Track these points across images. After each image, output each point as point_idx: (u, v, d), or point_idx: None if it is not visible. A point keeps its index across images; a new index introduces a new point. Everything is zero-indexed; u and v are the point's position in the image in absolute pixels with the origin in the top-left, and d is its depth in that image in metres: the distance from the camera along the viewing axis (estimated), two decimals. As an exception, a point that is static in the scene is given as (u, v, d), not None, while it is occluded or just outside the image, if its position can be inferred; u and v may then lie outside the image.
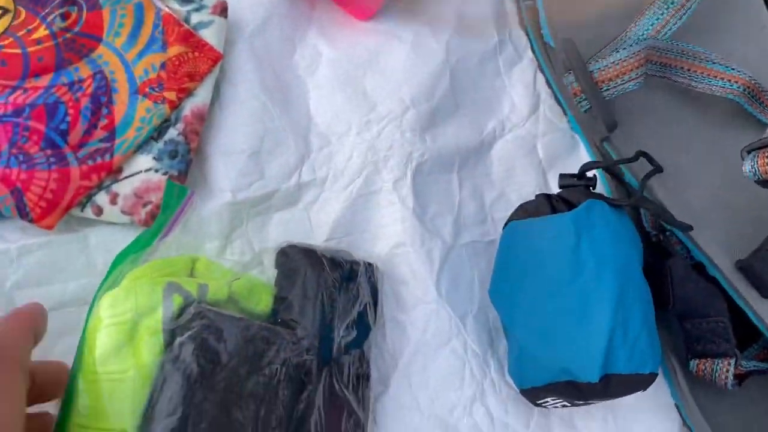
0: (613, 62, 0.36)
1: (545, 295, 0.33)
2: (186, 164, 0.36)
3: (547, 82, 0.43)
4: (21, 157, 0.33)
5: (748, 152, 0.35)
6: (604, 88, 0.37)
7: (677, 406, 0.39)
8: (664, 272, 0.36)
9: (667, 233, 0.38)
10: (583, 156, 0.42)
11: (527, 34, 0.43)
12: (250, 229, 0.37)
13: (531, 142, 0.42)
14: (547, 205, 0.36)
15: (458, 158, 0.40)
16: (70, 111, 0.34)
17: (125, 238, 0.35)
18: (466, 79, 0.41)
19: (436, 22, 0.41)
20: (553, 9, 0.40)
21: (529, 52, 0.43)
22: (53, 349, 0.32)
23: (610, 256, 0.33)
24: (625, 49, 0.36)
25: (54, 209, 0.34)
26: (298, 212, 0.38)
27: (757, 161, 0.34)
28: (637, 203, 0.35)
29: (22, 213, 0.33)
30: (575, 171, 0.37)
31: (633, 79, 0.36)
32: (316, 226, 0.38)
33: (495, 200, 0.41)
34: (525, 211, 0.37)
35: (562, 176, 0.37)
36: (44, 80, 0.34)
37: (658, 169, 0.36)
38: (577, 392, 0.32)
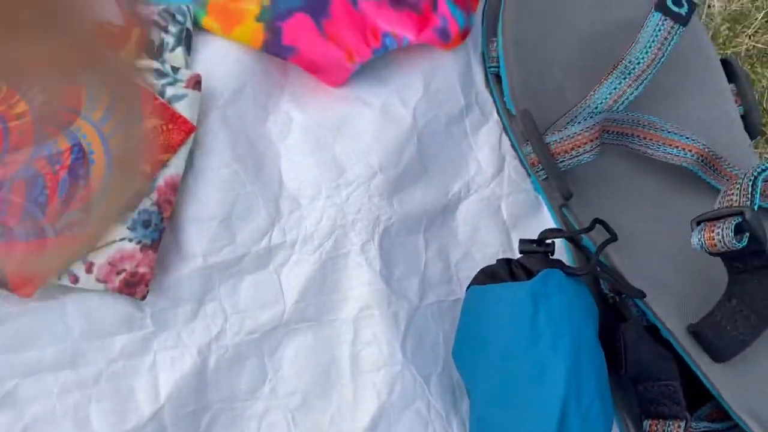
0: (569, 135, 0.38)
1: (503, 361, 0.35)
2: (159, 233, 0.37)
3: (512, 145, 0.45)
4: (1, 230, 0.35)
5: (697, 224, 0.36)
6: (560, 160, 0.38)
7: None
8: (617, 337, 0.37)
9: (623, 296, 0.40)
10: (546, 217, 0.44)
11: (493, 98, 0.45)
12: (222, 292, 0.39)
13: (495, 202, 0.44)
14: (506, 270, 0.38)
15: (425, 220, 0.42)
16: (48, 183, 0.36)
17: (101, 304, 0.37)
18: (433, 142, 0.43)
19: (404, 88, 0.43)
20: (515, 77, 0.42)
21: (495, 114, 0.45)
22: (24, 415, 0.34)
23: (566, 326, 0.35)
24: (579, 122, 0.38)
25: (32, 279, 0.35)
26: (268, 274, 0.39)
27: (704, 234, 0.35)
28: (592, 271, 0.37)
29: (1, 283, 0.35)
30: (538, 230, 0.39)
31: (588, 152, 0.38)
32: (287, 288, 0.39)
33: (460, 260, 0.42)
34: (486, 275, 0.39)
35: (522, 242, 0.39)
36: (24, 154, 0.36)
37: (613, 238, 0.37)
38: (532, 458, 0.34)
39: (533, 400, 0.34)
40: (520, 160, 0.45)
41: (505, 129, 0.45)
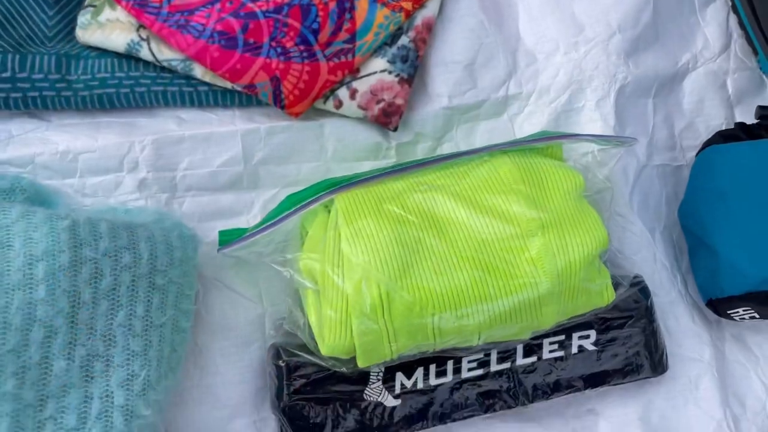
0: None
1: (755, 210, 0.36)
2: (414, 69, 0.39)
3: (741, 23, 0.44)
4: (279, 50, 0.38)
5: None
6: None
7: None
8: None
9: None
10: (773, 95, 0.44)
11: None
12: (458, 134, 0.41)
13: (721, 77, 0.44)
14: (745, 133, 0.38)
15: (655, 85, 0.42)
16: (320, 13, 0.38)
17: (353, 130, 0.39)
18: (665, 11, 0.43)
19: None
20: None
21: (723, -7, 0.45)
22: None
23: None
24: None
25: (304, 99, 0.38)
26: (503, 122, 0.41)
27: None
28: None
29: (277, 99, 0.38)
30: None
31: None
32: (520, 135, 0.41)
33: (684, 129, 0.43)
34: (723, 136, 0.39)
35: (761, 107, 0.39)
36: (299, -16, 0.39)
37: None
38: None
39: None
40: (748, 39, 0.44)
41: (734, 6, 0.44)
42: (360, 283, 0.29)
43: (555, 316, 0.32)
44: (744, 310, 0.37)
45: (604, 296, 0.34)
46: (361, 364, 0.31)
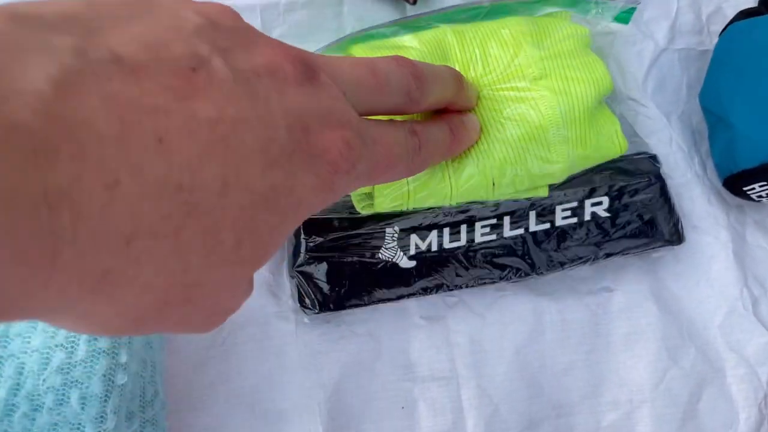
0: None
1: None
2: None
3: None
4: None
5: None
6: None
7: None
8: None
9: None
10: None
11: None
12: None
13: (753, -39, 0.43)
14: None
15: (680, -33, 0.41)
16: None
17: (373, 9, 0.40)
18: None
19: None
20: None
21: None
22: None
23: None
24: None
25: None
26: None
27: None
28: None
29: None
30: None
31: None
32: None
33: (712, 13, 0.42)
34: (745, 14, 0.38)
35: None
36: None
37: None
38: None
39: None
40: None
41: None
42: None
43: (566, 160, 0.32)
44: (760, 186, 0.36)
45: (615, 143, 0.34)
46: (377, 205, 0.32)
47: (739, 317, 0.38)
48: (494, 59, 0.32)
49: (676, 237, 0.37)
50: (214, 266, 0.18)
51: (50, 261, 0.14)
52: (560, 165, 0.32)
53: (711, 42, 0.42)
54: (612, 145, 0.34)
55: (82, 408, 0.28)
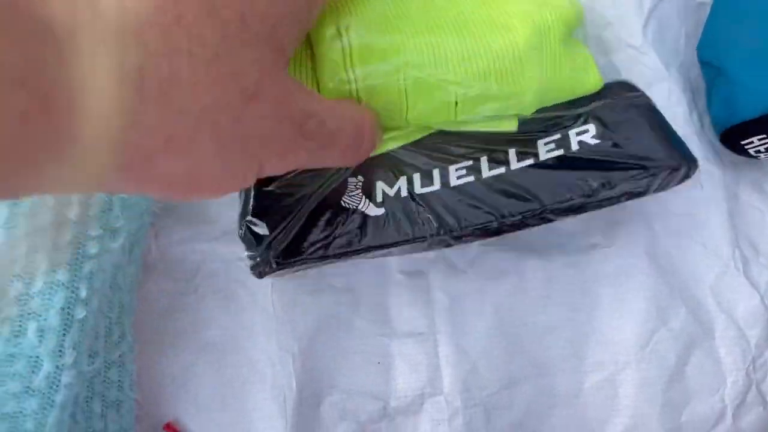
0: None
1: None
2: None
3: None
4: None
5: None
6: None
7: None
8: None
9: None
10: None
11: None
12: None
13: None
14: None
15: None
16: None
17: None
18: None
19: None
20: None
21: None
22: None
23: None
24: None
25: None
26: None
27: None
28: None
29: None
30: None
31: None
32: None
33: (712, -36, 0.40)
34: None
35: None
36: None
37: None
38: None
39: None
40: None
41: None
42: (333, 28, 0.27)
43: (538, 85, 0.29)
44: (759, 140, 0.34)
45: (590, 76, 0.32)
46: None
47: (730, 278, 0.36)
48: None
49: (691, 162, 0.31)
50: (234, 46, 0.18)
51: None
52: (532, 89, 0.29)
53: (709, -5, 0.40)
54: (585, 76, 0.32)
55: (40, 341, 0.28)
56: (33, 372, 0.28)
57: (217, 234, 0.37)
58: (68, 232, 0.28)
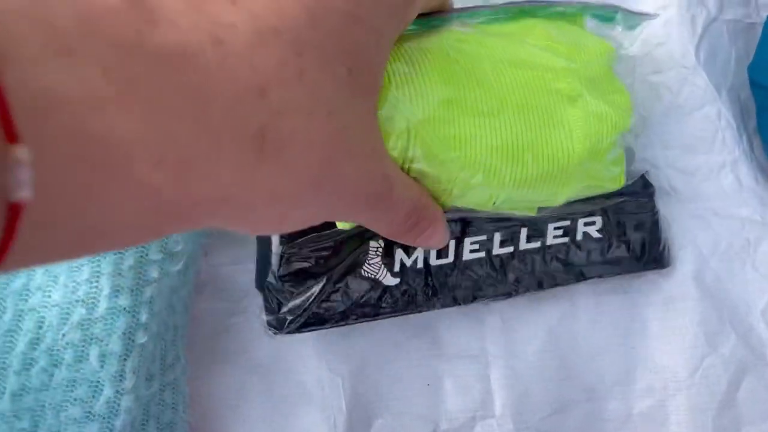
0: None
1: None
2: None
3: None
4: None
5: None
6: None
7: None
8: None
9: None
10: None
11: None
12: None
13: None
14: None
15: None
16: None
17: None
18: None
19: None
20: None
21: None
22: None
23: None
24: None
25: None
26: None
27: None
28: None
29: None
30: None
31: None
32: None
33: (760, -14, 0.40)
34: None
35: None
36: None
37: None
38: None
39: None
40: None
41: None
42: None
43: (572, 191, 0.30)
44: (813, 164, 0.34)
45: (617, 180, 0.32)
46: None
47: (784, 303, 0.36)
48: (527, 73, 0.28)
49: (664, 261, 0.36)
50: (344, 100, 0.18)
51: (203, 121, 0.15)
52: (567, 195, 0.29)
53: (758, 15, 0.40)
54: (613, 180, 0.32)
55: (101, 365, 0.28)
56: (94, 397, 0.28)
57: (266, 254, 0.36)
58: (130, 256, 0.28)
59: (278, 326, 0.33)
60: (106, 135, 0.13)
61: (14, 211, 0.12)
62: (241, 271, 0.36)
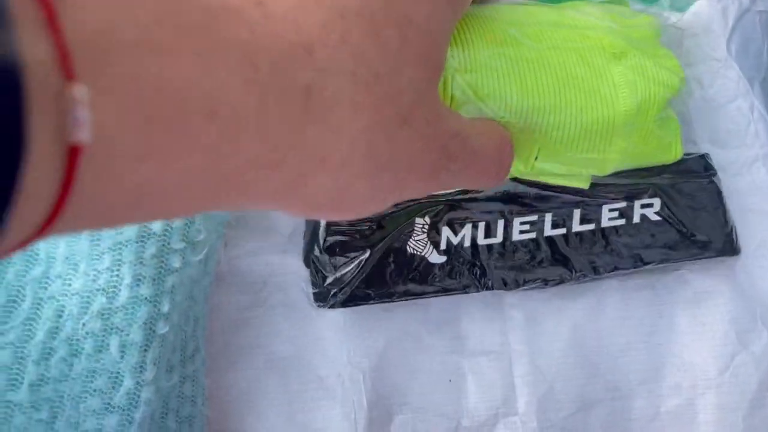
0: None
1: None
2: None
3: None
4: None
5: None
6: None
7: None
8: None
9: None
10: None
11: None
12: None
13: None
14: None
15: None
16: None
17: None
18: None
19: None
20: None
21: None
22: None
23: None
24: None
25: None
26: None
27: None
28: None
29: None
30: None
31: None
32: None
33: (793, -24, 0.39)
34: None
35: None
36: None
37: None
38: None
39: None
40: None
41: None
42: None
43: (619, 157, 0.29)
44: None
45: (672, 151, 0.31)
46: None
47: (818, 301, 0.35)
48: (574, 36, 0.28)
49: (732, 248, 0.35)
50: (393, 67, 0.17)
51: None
52: (614, 160, 0.28)
53: (793, 6, 0.39)
54: (668, 151, 0.31)
55: (122, 356, 0.27)
56: (113, 388, 0.27)
57: (286, 246, 0.36)
58: (152, 245, 0.27)
59: (322, 300, 0.33)
60: (161, 81, 0.13)
61: (73, 154, 0.11)
62: (260, 262, 0.35)
